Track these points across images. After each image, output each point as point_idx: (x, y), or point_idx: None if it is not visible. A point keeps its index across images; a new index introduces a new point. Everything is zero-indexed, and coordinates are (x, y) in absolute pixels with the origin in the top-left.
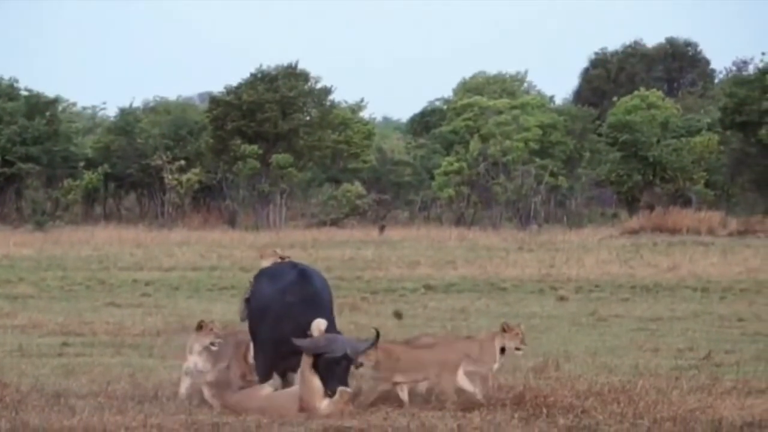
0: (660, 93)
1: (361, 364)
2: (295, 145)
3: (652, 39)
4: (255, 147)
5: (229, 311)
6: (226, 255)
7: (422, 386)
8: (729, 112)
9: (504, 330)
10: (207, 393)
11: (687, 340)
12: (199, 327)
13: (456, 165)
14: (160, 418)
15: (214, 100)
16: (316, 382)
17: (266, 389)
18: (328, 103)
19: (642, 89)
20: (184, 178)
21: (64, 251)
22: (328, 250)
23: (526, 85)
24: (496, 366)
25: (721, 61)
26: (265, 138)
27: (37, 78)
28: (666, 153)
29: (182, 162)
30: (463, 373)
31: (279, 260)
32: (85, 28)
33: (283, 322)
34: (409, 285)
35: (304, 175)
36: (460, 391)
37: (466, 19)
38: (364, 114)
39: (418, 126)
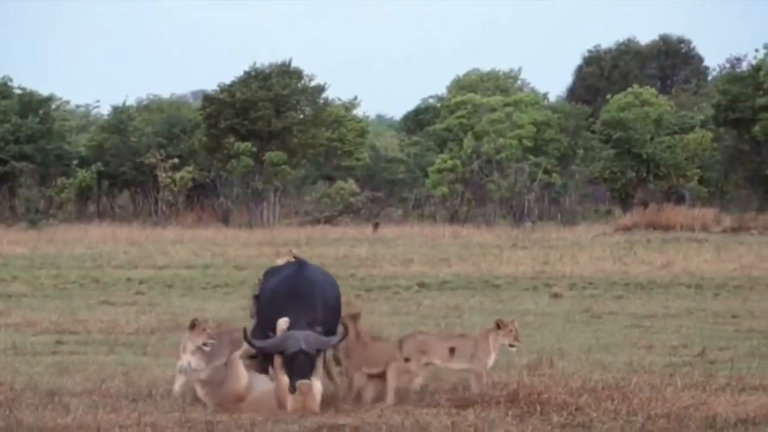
0: (653, 90)
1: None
2: (289, 143)
3: (646, 36)
4: (248, 145)
5: (223, 309)
6: (220, 253)
7: (417, 384)
8: (722, 109)
9: (498, 327)
10: (200, 391)
11: (681, 337)
12: (192, 326)
13: (450, 162)
14: (154, 416)
15: (207, 98)
16: (284, 379)
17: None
18: (321, 101)
19: (635, 86)
20: (177, 176)
21: (58, 249)
22: (322, 247)
23: (519, 82)
24: (490, 363)
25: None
26: (258, 136)
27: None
28: (659, 150)
29: (176, 160)
30: (394, 369)
31: (292, 259)
32: (79, 26)
33: (271, 316)
34: (403, 282)
35: (297, 173)
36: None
37: (459, 17)
38: (358, 112)
39: (412, 123)
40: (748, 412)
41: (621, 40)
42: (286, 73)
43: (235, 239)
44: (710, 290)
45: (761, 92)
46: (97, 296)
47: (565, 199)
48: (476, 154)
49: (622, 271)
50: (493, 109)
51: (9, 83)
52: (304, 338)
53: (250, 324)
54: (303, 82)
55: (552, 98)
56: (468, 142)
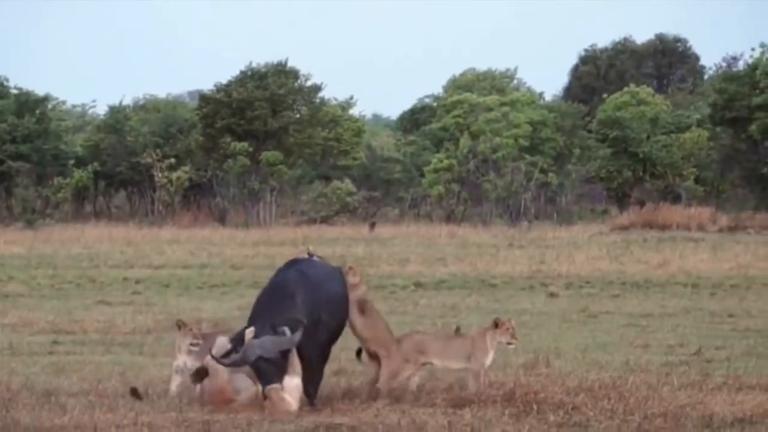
0: (650, 89)
1: None
2: (285, 143)
3: (642, 35)
4: (245, 144)
5: (219, 309)
6: (217, 253)
7: (413, 383)
8: (719, 108)
9: (496, 325)
10: (197, 391)
11: (677, 336)
12: (179, 326)
13: (446, 162)
14: (150, 415)
15: (204, 98)
16: (259, 387)
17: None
18: (317, 101)
19: (632, 85)
20: (174, 175)
21: (55, 249)
22: (319, 247)
23: (515, 81)
24: (488, 362)
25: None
26: (255, 135)
27: (27, 76)
28: (656, 149)
29: (172, 160)
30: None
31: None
32: (75, 26)
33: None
34: (399, 282)
35: (294, 173)
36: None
37: (455, 16)
38: (354, 111)
39: (408, 123)
40: (744, 411)
41: (617, 40)
42: (283, 72)
43: (232, 239)
44: (707, 289)
45: (757, 91)
46: (94, 296)
47: (561, 199)
48: (472, 154)
49: (619, 271)
50: (490, 109)
51: (5, 83)
52: (260, 345)
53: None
54: (299, 81)
55: (548, 97)
56: (464, 141)
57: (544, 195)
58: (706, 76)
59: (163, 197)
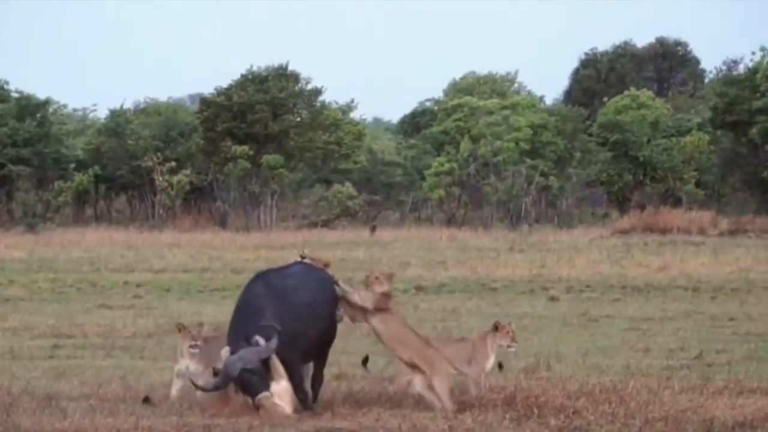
0: (650, 93)
1: None
2: (286, 146)
3: (643, 39)
4: (246, 148)
5: (220, 313)
6: (217, 256)
7: (414, 388)
8: (719, 111)
9: (496, 328)
10: (199, 395)
11: (678, 340)
12: (179, 329)
13: (447, 165)
14: (151, 420)
15: (204, 102)
16: (245, 401)
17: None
18: (318, 104)
19: (632, 89)
20: (174, 179)
21: (55, 253)
22: (319, 251)
23: (516, 85)
24: (489, 366)
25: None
26: (255, 139)
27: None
28: (656, 153)
29: (173, 163)
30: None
31: (298, 258)
32: (76, 29)
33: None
34: (400, 286)
35: (294, 176)
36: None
37: (456, 20)
38: (355, 115)
39: (409, 127)
40: (745, 415)
41: (617, 43)
42: (283, 76)
43: (232, 243)
44: (707, 293)
45: (758, 95)
46: (95, 300)
47: (562, 202)
48: (473, 157)
49: (619, 274)
50: (490, 112)
51: (6, 87)
52: (240, 358)
53: None
54: (300, 85)
55: (549, 101)
56: (465, 145)
57: (544, 198)
58: (706, 80)
59: (164, 201)
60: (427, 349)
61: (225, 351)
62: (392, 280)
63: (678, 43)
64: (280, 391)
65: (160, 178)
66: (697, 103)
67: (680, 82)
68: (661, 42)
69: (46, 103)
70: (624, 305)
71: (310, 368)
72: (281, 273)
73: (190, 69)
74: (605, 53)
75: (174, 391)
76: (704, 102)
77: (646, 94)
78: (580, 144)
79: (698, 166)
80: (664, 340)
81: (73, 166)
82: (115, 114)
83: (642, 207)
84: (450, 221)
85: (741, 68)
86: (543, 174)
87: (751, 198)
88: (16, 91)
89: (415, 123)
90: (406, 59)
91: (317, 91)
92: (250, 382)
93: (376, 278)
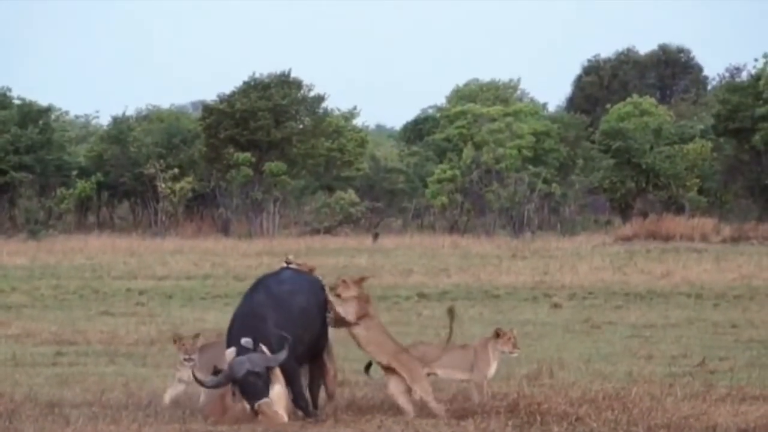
0: (653, 100)
1: None
2: (289, 153)
3: (645, 46)
4: (248, 155)
5: (223, 320)
6: (220, 263)
7: (416, 394)
8: (722, 118)
9: (497, 335)
10: (202, 400)
11: (681, 347)
12: (174, 341)
13: (449, 173)
14: (154, 427)
15: (207, 109)
16: (246, 406)
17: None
18: (321, 111)
19: (635, 96)
20: (177, 186)
21: (58, 260)
22: (322, 258)
23: (519, 92)
24: (491, 372)
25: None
26: (258, 146)
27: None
28: (659, 160)
29: (175, 170)
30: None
31: (284, 264)
32: (78, 36)
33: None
34: (402, 293)
35: (297, 183)
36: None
37: (459, 27)
38: (357, 122)
39: (412, 134)
40: (748, 422)
41: (620, 50)
42: (286, 83)
43: (235, 249)
44: (710, 300)
45: (761, 102)
46: (97, 307)
47: (564, 209)
48: (476, 164)
49: (622, 281)
50: (493, 119)
51: (8, 93)
52: (249, 359)
53: None
54: (302, 92)
55: (551, 108)
56: (467, 152)
57: (547, 205)
58: (709, 87)
59: (167, 208)
60: (403, 353)
61: (231, 351)
62: (362, 285)
63: (681, 50)
64: (275, 396)
65: (163, 185)
66: (699, 110)
67: (683, 89)
68: (663, 49)
69: (49, 110)
70: (627, 312)
71: (306, 373)
72: (277, 279)
73: (193, 76)
74: (608, 60)
75: (168, 397)
76: (707, 109)
77: (648, 101)
78: (583, 151)
79: (701, 173)
80: (667, 347)
81: (75, 173)
82: (117, 121)
83: (645, 214)
84: (452, 228)
85: (744, 75)
86: (546, 181)
87: (754, 205)
88: (19, 98)
89: (417, 130)
90: (408, 66)
91: (320, 98)
92: (254, 386)
93: (343, 282)
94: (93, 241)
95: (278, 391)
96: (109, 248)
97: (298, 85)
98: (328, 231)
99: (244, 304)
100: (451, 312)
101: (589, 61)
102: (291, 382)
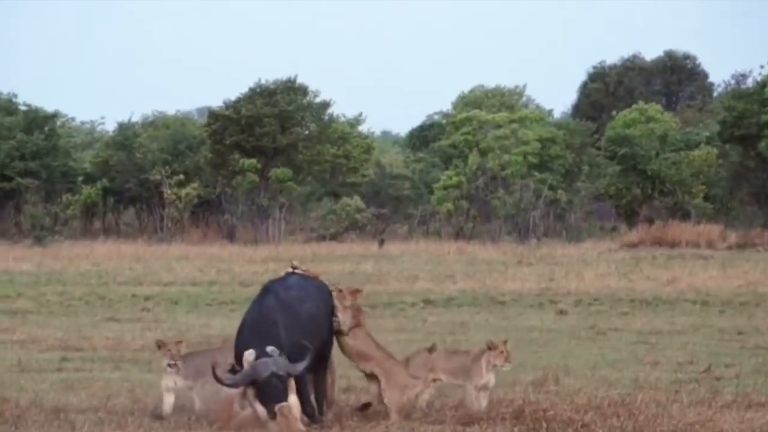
0: (659, 106)
1: None
2: (294, 159)
3: (651, 52)
4: (254, 161)
5: (228, 326)
6: (225, 269)
7: (422, 399)
8: (728, 125)
9: (489, 348)
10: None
11: (687, 354)
12: (158, 346)
13: (455, 179)
14: None
15: (212, 115)
16: (260, 409)
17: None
18: (326, 117)
19: (641, 103)
20: (182, 192)
21: (63, 266)
22: (328, 264)
23: (524, 98)
24: (481, 383)
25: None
26: (263, 152)
27: (36, 92)
28: (665, 166)
29: (181, 176)
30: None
31: (290, 269)
32: (84, 42)
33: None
34: (408, 299)
35: (303, 189)
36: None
37: (464, 33)
38: (363, 128)
39: (417, 140)
40: (754, 428)
41: (626, 57)
42: (291, 89)
43: (241, 256)
44: (716, 307)
45: (767, 108)
46: (103, 313)
47: (570, 216)
48: (481, 171)
49: (628, 288)
50: (499, 126)
51: (14, 100)
52: (274, 362)
53: None
54: (308, 98)
55: (557, 114)
56: (473, 158)
57: (553, 212)
58: (715, 94)
59: (172, 214)
60: (387, 361)
61: (250, 353)
62: (356, 296)
63: (686, 57)
64: (296, 405)
65: (169, 191)
66: (705, 116)
67: (689, 96)
68: (669, 55)
69: (54, 116)
70: (632, 319)
71: (311, 380)
72: (284, 285)
73: (198, 82)
74: (613, 67)
75: (167, 408)
76: (713, 116)
77: (654, 108)
78: (589, 158)
79: (707, 179)
80: (673, 354)
81: (81, 179)
82: (123, 127)
83: (650, 221)
84: (458, 235)
85: (750, 82)
86: (551, 188)
87: (760, 212)
88: (24, 104)
89: (423, 136)
90: (414, 72)
91: (325, 105)
92: (276, 388)
93: (339, 291)
94: (99, 247)
95: (293, 400)
96: (114, 254)
97: (303, 91)
98: (333, 237)
99: (253, 309)
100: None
101: (594, 67)
102: (299, 389)
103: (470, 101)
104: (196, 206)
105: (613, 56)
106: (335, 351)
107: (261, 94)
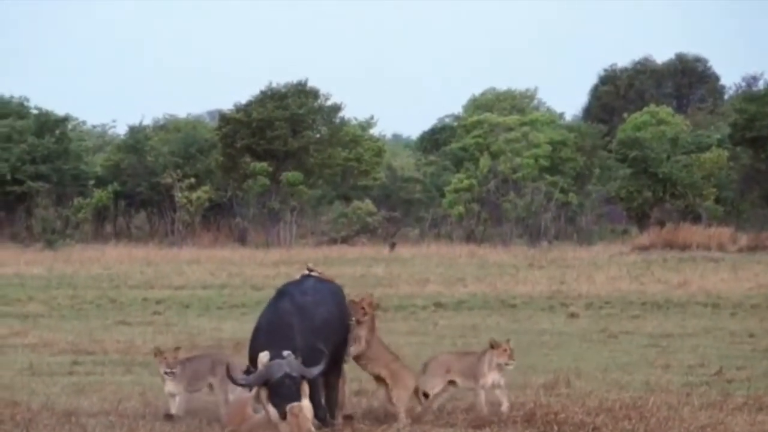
0: (670, 109)
1: None
2: (305, 163)
3: (662, 55)
4: (265, 164)
5: (240, 329)
6: (237, 273)
7: (435, 403)
8: (739, 128)
9: (492, 347)
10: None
11: (698, 357)
12: (155, 354)
13: (466, 182)
14: None
15: (223, 118)
16: (271, 410)
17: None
18: (338, 121)
19: (652, 105)
20: (194, 195)
21: (75, 270)
22: (339, 267)
23: (536, 101)
24: (485, 382)
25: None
26: (275, 155)
27: (47, 96)
28: (676, 169)
29: (192, 180)
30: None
31: (305, 272)
32: (95, 46)
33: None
34: (419, 302)
35: (314, 193)
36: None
37: (475, 36)
38: (374, 131)
39: (428, 143)
40: (765, 431)
41: (637, 59)
42: (303, 92)
43: (252, 259)
44: (727, 309)
45: None
46: (114, 316)
47: (581, 219)
48: (492, 174)
49: (639, 291)
50: (510, 129)
51: (25, 103)
52: (287, 363)
53: None
54: (319, 101)
55: (568, 117)
56: (484, 161)
57: (564, 215)
58: (726, 96)
59: (183, 217)
60: (394, 363)
61: (265, 355)
62: (373, 307)
63: (697, 60)
64: (308, 407)
65: (180, 195)
66: (716, 119)
67: (700, 99)
68: (680, 58)
69: (65, 119)
70: (643, 321)
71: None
72: (300, 288)
73: (210, 85)
74: (624, 69)
75: (178, 410)
76: (723, 118)
77: (665, 111)
78: (600, 160)
79: (718, 182)
80: (684, 357)
81: (92, 182)
82: (134, 130)
83: (661, 223)
84: (469, 238)
85: (760, 84)
86: (562, 190)
87: None
88: (36, 108)
89: (434, 139)
90: (425, 76)
91: (336, 108)
92: (289, 389)
93: (361, 307)
94: (110, 250)
95: (305, 403)
96: (125, 258)
97: (314, 94)
98: (345, 240)
99: (269, 312)
100: None
101: (605, 70)
102: (312, 393)
103: (481, 104)
104: (207, 210)
105: (624, 59)
106: None
107: (272, 97)
